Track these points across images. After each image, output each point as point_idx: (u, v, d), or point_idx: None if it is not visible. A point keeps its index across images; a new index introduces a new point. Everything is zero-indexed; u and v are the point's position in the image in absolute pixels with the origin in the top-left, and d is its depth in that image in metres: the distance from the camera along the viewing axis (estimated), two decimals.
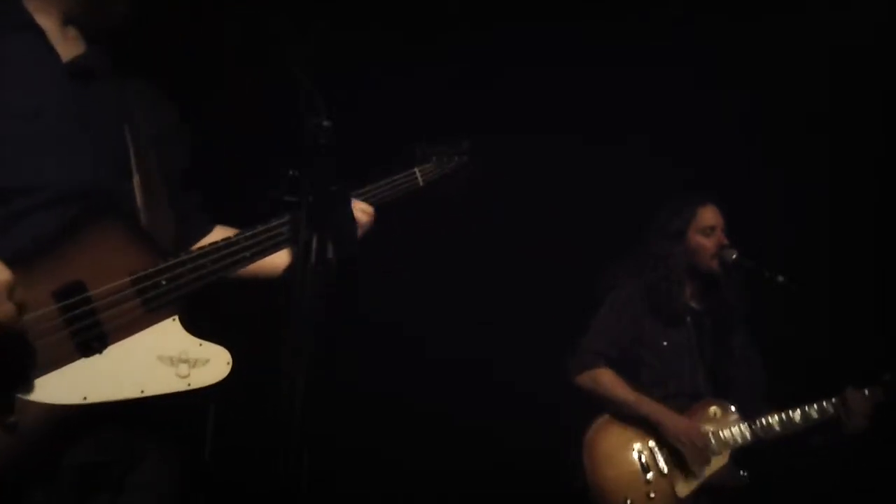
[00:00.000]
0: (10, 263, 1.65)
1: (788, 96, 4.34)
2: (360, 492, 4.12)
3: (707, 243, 3.69)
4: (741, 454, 3.54)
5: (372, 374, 4.16)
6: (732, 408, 3.58)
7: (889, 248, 4.31)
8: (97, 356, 1.77)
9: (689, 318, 3.73)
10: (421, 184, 2.46)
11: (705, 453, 3.48)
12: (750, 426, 3.55)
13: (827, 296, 3.62)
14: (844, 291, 4.13)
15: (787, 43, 4.23)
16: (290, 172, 1.51)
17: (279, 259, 2.13)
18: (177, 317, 1.89)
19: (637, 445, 3.53)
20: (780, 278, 3.55)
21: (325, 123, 1.44)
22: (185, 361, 1.87)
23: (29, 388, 1.68)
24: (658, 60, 4.25)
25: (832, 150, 4.42)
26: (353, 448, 3.97)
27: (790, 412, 3.54)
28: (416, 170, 2.48)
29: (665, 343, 3.67)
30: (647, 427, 3.54)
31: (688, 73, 4.25)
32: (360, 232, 2.20)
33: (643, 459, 3.50)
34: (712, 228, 3.71)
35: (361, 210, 2.25)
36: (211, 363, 1.89)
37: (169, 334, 1.87)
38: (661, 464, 3.50)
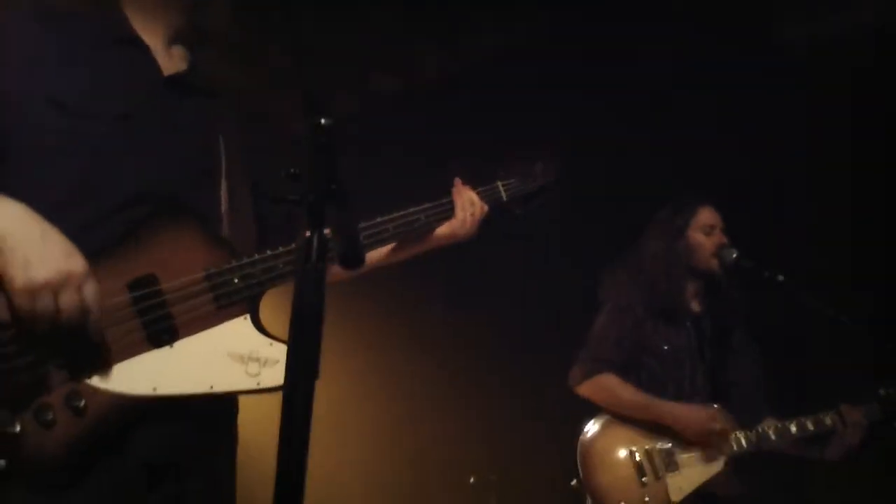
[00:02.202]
0: (92, 257, 1.69)
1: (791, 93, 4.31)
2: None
3: (706, 242, 3.68)
4: (737, 462, 3.50)
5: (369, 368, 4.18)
6: (730, 414, 3.52)
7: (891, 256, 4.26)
8: (168, 349, 1.77)
9: (688, 321, 3.70)
10: (504, 198, 2.43)
11: (725, 440, 3.45)
12: (746, 433, 3.52)
13: (828, 294, 3.51)
14: (845, 291, 4.02)
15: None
16: (291, 170, 1.48)
17: None
18: (248, 315, 1.87)
19: (632, 449, 3.50)
20: (780, 278, 3.51)
21: (324, 121, 1.41)
22: (256, 360, 1.85)
23: (100, 375, 1.67)
24: (654, 61, 4.27)
25: (838, 153, 4.37)
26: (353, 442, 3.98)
27: (787, 422, 3.54)
28: (500, 184, 2.45)
29: (665, 346, 3.63)
30: (644, 431, 3.51)
31: (686, 72, 4.28)
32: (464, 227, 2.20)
33: (638, 463, 3.47)
34: (712, 227, 3.70)
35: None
36: (281, 363, 1.85)
37: (240, 332, 1.86)
38: (657, 468, 3.46)
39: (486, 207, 2.30)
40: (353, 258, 1.49)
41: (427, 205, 2.24)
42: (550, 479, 3.77)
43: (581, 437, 3.55)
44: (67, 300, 1.60)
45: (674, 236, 3.71)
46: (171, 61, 2.02)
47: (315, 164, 1.40)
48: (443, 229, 2.23)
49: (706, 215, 3.72)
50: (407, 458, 4.45)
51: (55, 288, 1.58)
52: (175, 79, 1.99)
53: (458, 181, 2.27)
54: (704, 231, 3.69)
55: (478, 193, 2.34)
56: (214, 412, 1.88)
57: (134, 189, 1.84)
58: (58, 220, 1.72)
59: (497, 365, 4.41)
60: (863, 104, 4.27)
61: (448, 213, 2.26)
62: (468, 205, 2.25)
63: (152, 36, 2.00)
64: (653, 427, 3.50)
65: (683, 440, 3.48)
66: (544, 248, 4.32)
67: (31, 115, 1.79)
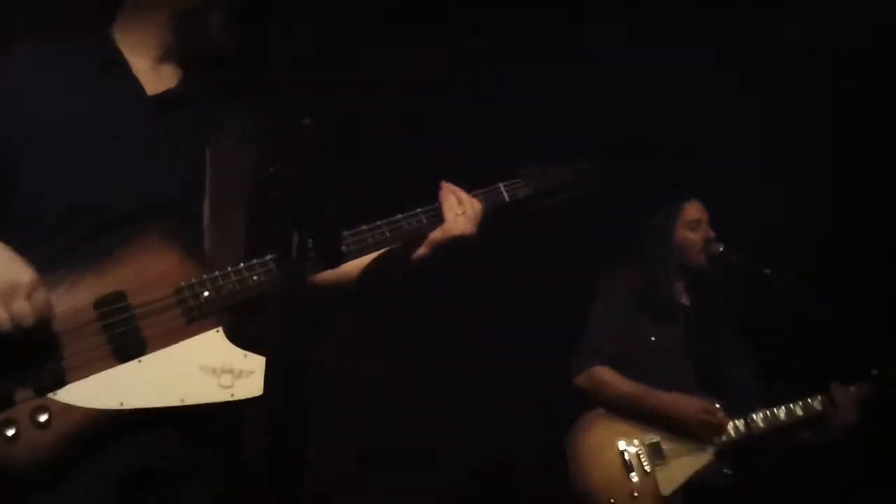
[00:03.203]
0: (62, 279, 1.75)
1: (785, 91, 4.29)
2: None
3: (694, 237, 3.73)
4: (727, 452, 3.48)
5: (364, 364, 4.13)
6: (718, 406, 3.48)
7: (878, 241, 4.28)
8: (136, 364, 1.79)
9: (679, 315, 3.74)
10: (506, 199, 2.35)
11: (720, 429, 3.43)
12: (735, 424, 3.49)
13: (816, 288, 3.50)
14: (834, 284, 3.90)
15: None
16: (271, 169, 1.47)
17: (336, 272, 2.10)
18: (221, 328, 1.87)
19: (621, 444, 3.47)
20: (767, 271, 3.55)
21: (306, 120, 1.40)
22: (230, 372, 1.85)
23: (64, 389, 1.70)
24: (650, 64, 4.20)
25: (821, 143, 4.38)
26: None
27: (776, 409, 3.53)
28: (502, 185, 2.36)
29: (655, 339, 3.66)
30: (630, 426, 3.50)
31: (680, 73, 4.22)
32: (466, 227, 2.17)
33: (627, 458, 3.45)
34: (698, 222, 3.75)
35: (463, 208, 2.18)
36: (256, 374, 1.85)
37: (212, 345, 1.86)
38: (645, 463, 3.44)
39: (478, 206, 2.21)
40: (331, 254, 1.47)
41: (418, 210, 2.19)
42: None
43: (571, 433, 3.56)
44: (17, 308, 1.64)
45: (662, 234, 3.79)
46: (159, 79, 2.06)
47: (295, 161, 1.40)
48: (436, 233, 2.17)
49: (691, 210, 3.78)
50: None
51: (4, 298, 1.63)
52: (161, 97, 2.04)
53: (443, 183, 2.21)
54: (691, 227, 3.75)
55: (475, 195, 2.27)
56: (201, 428, 1.87)
57: (105, 212, 1.88)
58: (46, 241, 1.80)
59: (493, 361, 4.37)
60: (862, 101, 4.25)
61: (440, 218, 2.20)
62: (456, 205, 2.18)
63: (142, 55, 2.05)
64: (640, 421, 3.49)
65: (678, 430, 3.45)
66: (544, 242, 4.26)
67: (9, 151, 1.88)
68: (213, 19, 2.02)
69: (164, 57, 2.07)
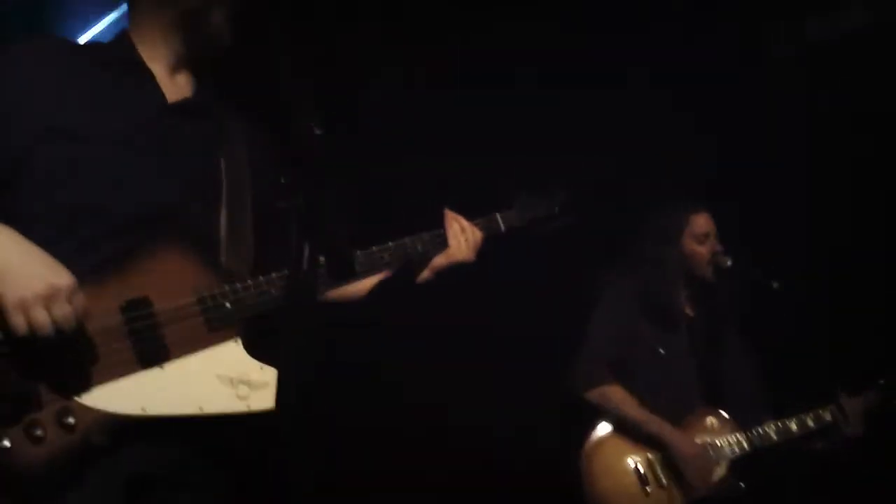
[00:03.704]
0: (85, 278, 1.74)
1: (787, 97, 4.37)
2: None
3: (701, 250, 3.69)
4: (739, 464, 3.51)
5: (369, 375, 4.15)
6: (728, 417, 3.57)
7: (884, 251, 4.27)
8: (158, 371, 1.81)
9: (684, 325, 3.72)
10: (503, 229, 2.47)
11: (709, 476, 3.46)
12: (747, 435, 3.54)
13: (822, 300, 3.62)
14: (839, 296, 4.06)
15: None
16: (282, 180, 1.50)
17: (351, 288, 2.17)
18: (240, 339, 1.90)
19: (636, 458, 3.50)
20: (775, 284, 3.56)
21: (317, 131, 1.44)
22: (246, 383, 1.88)
23: (89, 393, 1.71)
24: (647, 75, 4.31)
25: (828, 153, 4.38)
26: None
27: (787, 421, 3.56)
28: (498, 215, 2.49)
29: (661, 349, 3.65)
30: (649, 441, 3.51)
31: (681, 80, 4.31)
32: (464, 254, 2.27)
33: (642, 471, 3.48)
34: (706, 235, 3.71)
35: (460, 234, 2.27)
36: (271, 386, 1.89)
37: (231, 355, 1.90)
38: (660, 476, 3.47)
39: (479, 234, 2.34)
40: (341, 269, 1.52)
41: (424, 234, 2.28)
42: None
43: (585, 445, 3.56)
44: (59, 311, 1.65)
45: (668, 244, 3.72)
46: (175, 87, 2.07)
47: (305, 173, 1.42)
48: (439, 259, 2.28)
49: (699, 223, 3.73)
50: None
51: (46, 301, 1.63)
52: (179, 105, 2.05)
53: (447, 211, 2.32)
54: (698, 240, 3.70)
55: (475, 224, 2.38)
56: (209, 437, 1.90)
57: (133, 212, 1.88)
58: (57, 242, 1.79)
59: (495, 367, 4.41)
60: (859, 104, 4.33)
61: (444, 243, 2.30)
62: (459, 232, 2.29)
63: (157, 62, 2.06)
64: (643, 443, 3.52)
65: (672, 463, 3.48)
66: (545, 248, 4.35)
67: (34, 139, 1.86)
68: (214, 18, 2.04)
69: (178, 64, 2.08)
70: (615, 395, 3.56)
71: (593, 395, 3.59)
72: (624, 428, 3.54)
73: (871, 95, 4.30)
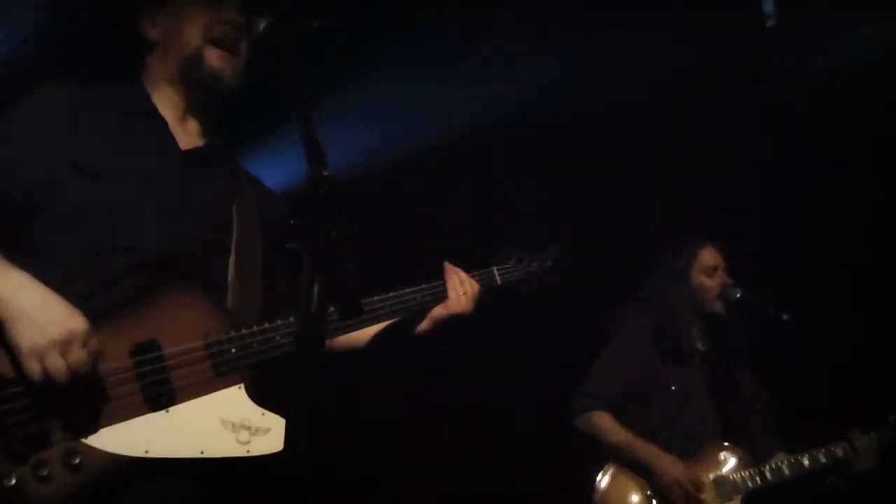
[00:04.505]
0: (97, 319, 1.78)
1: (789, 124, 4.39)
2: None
3: (711, 283, 3.73)
4: (752, 498, 3.53)
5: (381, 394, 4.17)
6: (741, 451, 3.60)
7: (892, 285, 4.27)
8: (164, 413, 1.84)
9: (696, 359, 3.76)
10: (499, 282, 2.52)
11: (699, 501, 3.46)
12: (760, 470, 3.58)
13: (833, 333, 3.64)
14: (850, 329, 4.08)
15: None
16: (292, 221, 1.54)
17: (352, 337, 2.22)
18: (243, 384, 1.95)
19: (647, 493, 3.52)
20: (785, 316, 3.58)
21: (326, 173, 1.48)
22: (247, 428, 1.92)
23: (96, 434, 1.75)
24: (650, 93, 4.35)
25: (838, 182, 4.40)
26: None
27: (799, 456, 3.61)
28: (495, 269, 2.54)
29: (673, 386, 3.68)
30: (635, 465, 3.54)
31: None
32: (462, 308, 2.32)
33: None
34: (714, 269, 3.75)
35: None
36: (272, 433, 1.93)
37: (234, 400, 1.94)
38: None
39: (477, 287, 2.39)
40: (350, 308, 1.55)
41: (423, 286, 2.34)
42: None
43: (595, 488, 3.59)
44: (74, 357, 1.69)
45: (677, 279, 3.76)
46: (187, 135, 2.14)
47: (315, 214, 1.45)
48: (438, 310, 2.33)
49: (707, 257, 3.77)
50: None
51: (62, 347, 1.67)
52: (192, 153, 2.11)
53: (446, 264, 2.38)
54: (707, 273, 3.74)
55: (472, 276, 2.44)
56: (209, 480, 1.93)
57: (148, 255, 1.93)
58: (68, 284, 1.83)
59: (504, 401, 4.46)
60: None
61: (442, 294, 2.35)
62: (459, 285, 2.35)
63: (168, 110, 2.13)
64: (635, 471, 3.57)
65: (660, 488, 3.50)
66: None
67: (56, 177, 1.91)
68: (209, 58, 2.10)
69: (187, 111, 2.16)
70: (603, 421, 3.60)
71: (581, 422, 3.65)
72: (615, 455, 3.58)
73: (877, 122, 4.30)
